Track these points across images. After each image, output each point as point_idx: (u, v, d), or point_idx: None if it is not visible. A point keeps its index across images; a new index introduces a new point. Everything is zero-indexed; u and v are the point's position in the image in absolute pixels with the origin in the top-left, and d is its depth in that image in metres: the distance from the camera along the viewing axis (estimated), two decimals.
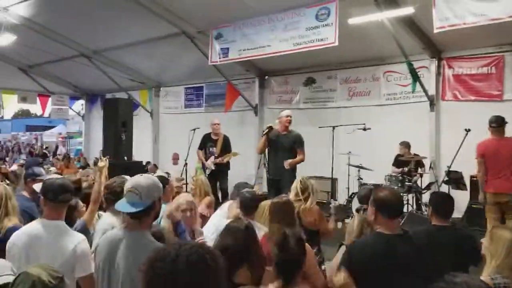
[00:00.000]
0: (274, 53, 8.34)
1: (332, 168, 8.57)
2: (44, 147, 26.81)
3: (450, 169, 7.29)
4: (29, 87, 15.45)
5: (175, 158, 11.72)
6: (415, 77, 8.47)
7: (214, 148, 8.60)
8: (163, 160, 13.65)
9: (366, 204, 3.61)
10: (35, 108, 21.46)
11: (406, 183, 7.89)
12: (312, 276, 2.91)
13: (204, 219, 4.54)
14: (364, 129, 8.45)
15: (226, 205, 4.55)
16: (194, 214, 3.69)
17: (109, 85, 13.90)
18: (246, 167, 10.52)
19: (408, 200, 8.02)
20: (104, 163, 4.12)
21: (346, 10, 7.27)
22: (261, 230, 3.39)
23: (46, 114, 19.49)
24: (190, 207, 3.66)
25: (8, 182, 6.02)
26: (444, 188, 7.44)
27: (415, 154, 8.11)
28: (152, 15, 9.18)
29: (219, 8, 8.69)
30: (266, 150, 7.01)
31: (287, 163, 6.54)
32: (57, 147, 26.00)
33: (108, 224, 3.27)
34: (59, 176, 3.41)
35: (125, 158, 9.10)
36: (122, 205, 2.41)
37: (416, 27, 7.90)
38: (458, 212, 6.82)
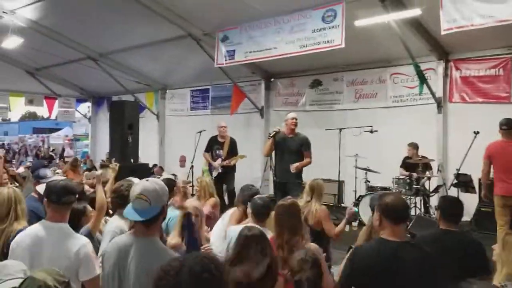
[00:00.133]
0: (280, 55, 8.31)
1: (339, 170, 8.55)
2: (50, 149, 26.92)
3: (459, 172, 7.22)
4: (36, 89, 15.54)
5: (182, 160, 11.74)
6: (422, 79, 8.43)
7: (221, 151, 8.58)
8: (169, 163, 13.67)
9: None
10: (42, 110, 21.60)
11: (414, 186, 7.83)
12: (323, 281, 2.88)
13: (209, 220, 4.51)
14: (371, 132, 8.41)
15: (228, 214, 4.51)
16: (201, 221, 3.66)
17: (116, 88, 13.93)
18: (252, 169, 10.51)
19: (415, 203, 7.97)
20: (100, 171, 4.11)
21: (353, 12, 7.24)
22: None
23: (52, 117, 19.61)
24: (196, 213, 3.63)
25: (17, 184, 6.05)
26: (453, 191, 7.39)
27: (422, 157, 8.04)
28: (159, 18, 9.20)
29: (225, 11, 8.68)
30: (273, 152, 6.98)
31: (293, 167, 6.50)
32: (63, 150, 26.10)
33: (116, 227, 3.25)
34: (63, 178, 3.38)
35: (132, 160, 9.11)
36: (131, 213, 2.37)
37: (423, 28, 7.85)
38: (467, 215, 6.77)
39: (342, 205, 9.29)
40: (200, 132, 9.51)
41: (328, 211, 4.72)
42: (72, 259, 2.66)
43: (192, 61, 11.28)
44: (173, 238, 3.52)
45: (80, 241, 2.76)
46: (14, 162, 19.68)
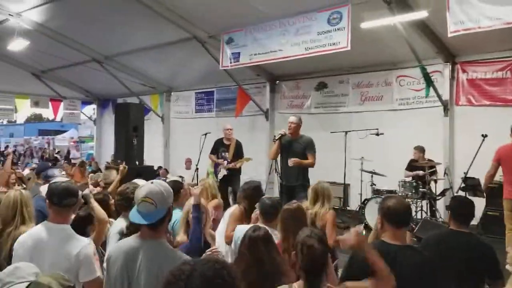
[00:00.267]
0: (285, 57, 8.30)
1: (345, 173, 8.50)
2: (56, 151, 27.02)
3: (467, 176, 7.15)
4: (41, 91, 15.64)
5: (188, 162, 11.74)
6: (429, 82, 8.38)
7: (227, 153, 8.55)
8: (174, 165, 13.67)
9: None
10: (47, 112, 21.71)
11: (420, 190, 7.77)
12: (329, 276, 2.84)
13: (212, 221, 4.49)
14: (377, 134, 8.36)
15: (228, 212, 4.49)
16: (206, 217, 3.65)
17: (121, 90, 13.97)
18: (257, 172, 10.47)
19: (422, 206, 7.90)
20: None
21: (359, 14, 7.21)
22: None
23: (58, 119, 19.68)
24: (201, 210, 3.62)
25: (24, 186, 6.08)
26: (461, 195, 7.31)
27: (429, 160, 7.98)
28: (163, 20, 9.21)
29: (230, 13, 8.68)
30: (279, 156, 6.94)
31: (291, 161, 6.40)
32: (68, 152, 26.24)
33: (121, 230, 3.23)
34: (65, 179, 3.37)
35: (137, 162, 9.10)
36: (137, 216, 2.35)
37: (430, 31, 7.81)
38: (474, 219, 6.67)
39: (348, 208, 9.24)
40: (205, 134, 9.49)
41: (335, 216, 4.64)
42: (73, 261, 2.63)
43: (197, 64, 11.29)
44: (180, 236, 3.56)
45: (81, 243, 2.73)
46: (19, 164, 19.75)
